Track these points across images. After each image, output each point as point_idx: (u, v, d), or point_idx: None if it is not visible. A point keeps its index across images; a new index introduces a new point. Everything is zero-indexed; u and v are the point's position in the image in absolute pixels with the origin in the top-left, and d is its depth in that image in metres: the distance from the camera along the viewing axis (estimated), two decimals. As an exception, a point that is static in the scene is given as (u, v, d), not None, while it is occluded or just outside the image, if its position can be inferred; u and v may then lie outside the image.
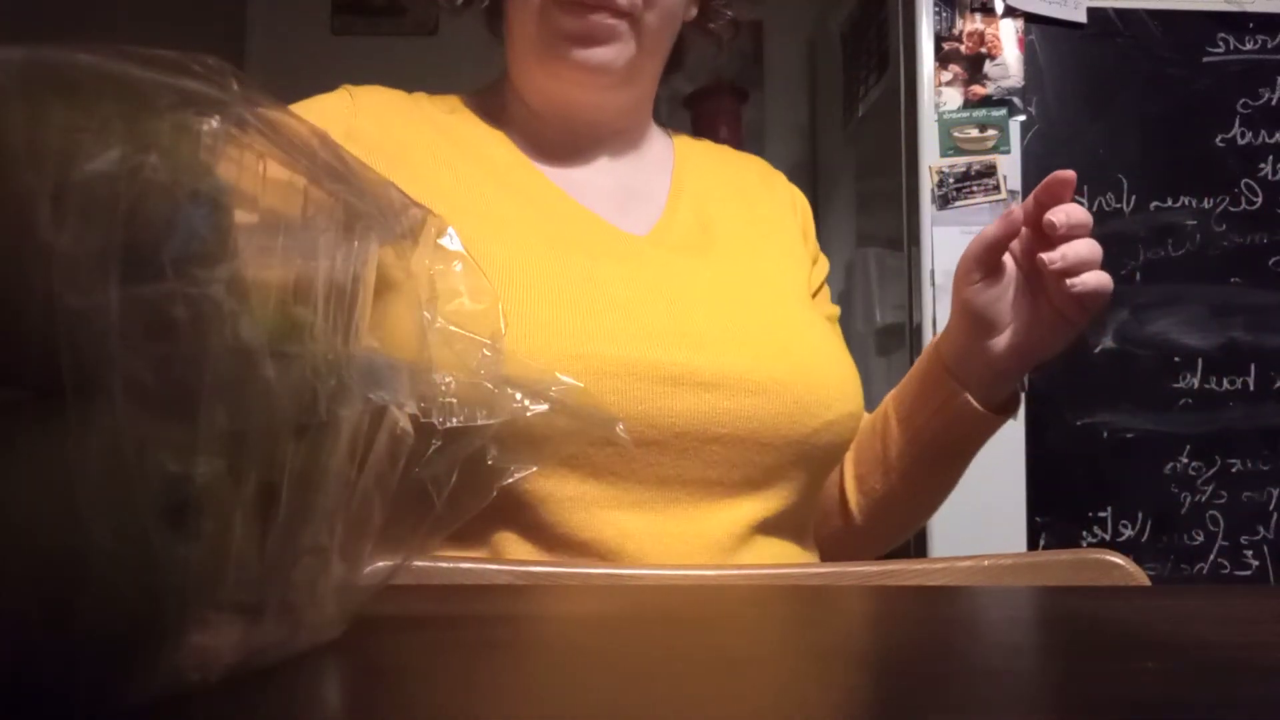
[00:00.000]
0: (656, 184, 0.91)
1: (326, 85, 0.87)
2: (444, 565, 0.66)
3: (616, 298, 0.75)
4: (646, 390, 0.71)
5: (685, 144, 0.98)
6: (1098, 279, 0.74)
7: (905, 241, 1.91)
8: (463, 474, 0.38)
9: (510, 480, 0.39)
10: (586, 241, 0.81)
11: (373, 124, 0.84)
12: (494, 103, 0.92)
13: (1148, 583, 0.70)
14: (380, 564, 0.38)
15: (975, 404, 0.80)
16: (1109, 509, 1.85)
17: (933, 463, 0.85)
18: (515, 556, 0.70)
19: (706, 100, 2.66)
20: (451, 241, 0.40)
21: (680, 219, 0.87)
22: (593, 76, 0.84)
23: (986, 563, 0.73)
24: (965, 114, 1.85)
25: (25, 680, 0.25)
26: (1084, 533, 1.84)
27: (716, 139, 1.06)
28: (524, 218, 0.81)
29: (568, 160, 0.89)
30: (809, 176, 2.80)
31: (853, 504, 0.89)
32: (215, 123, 0.27)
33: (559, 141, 0.89)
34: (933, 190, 1.83)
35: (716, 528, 0.74)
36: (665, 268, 0.81)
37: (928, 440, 0.84)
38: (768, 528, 0.77)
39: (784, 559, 0.78)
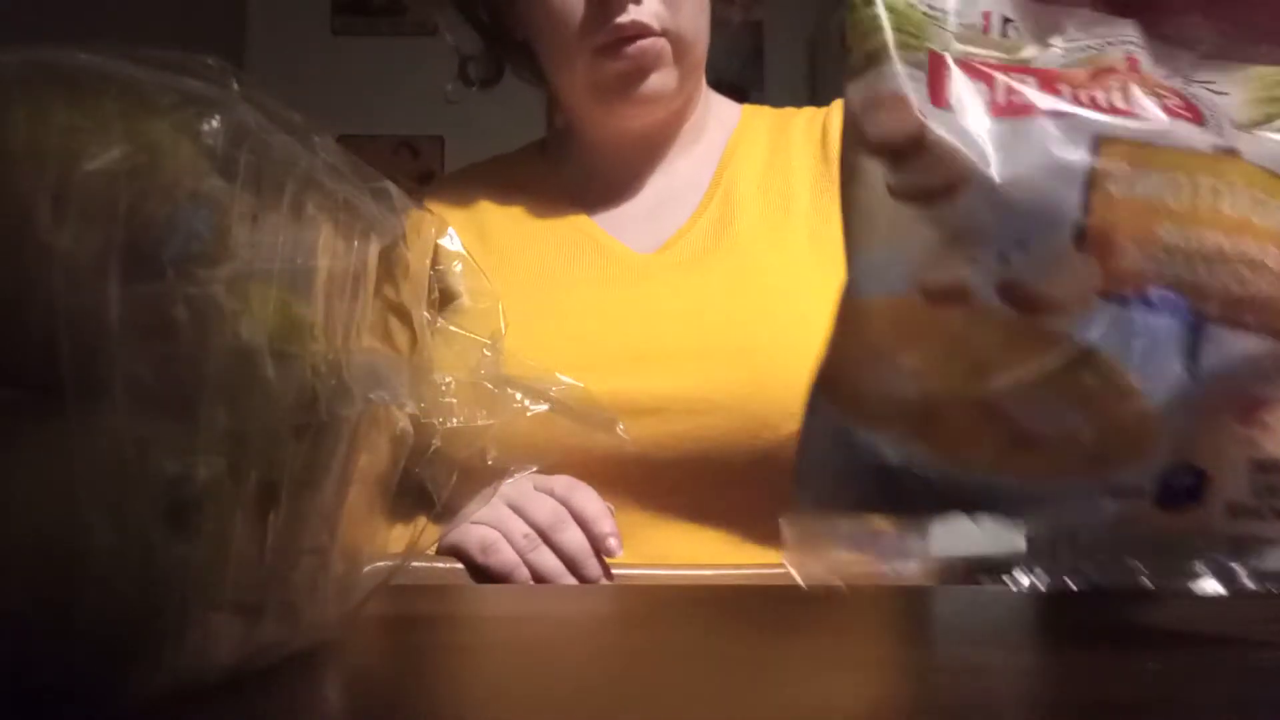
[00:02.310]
0: (698, 180, 0.91)
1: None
2: (443, 565, 0.66)
3: (583, 329, 0.78)
4: None
5: (750, 118, 0.96)
6: None
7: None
8: (462, 474, 0.38)
9: (510, 480, 0.39)
10: (592, 272, 0.84)
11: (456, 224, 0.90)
12: (555, 143, 0.97)
13: (1148, 583, 0.70)
14: (380, 564, 0.38)
15: None
16: (1109, 509, 1.84)
17: None
18: None
19: (706, 100, 2.66)
20: (452, 241, 0.40)
21: (702, 224, 0.87)
22: (651, 108, 0.86)
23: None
24: (965, 114, 1.84)
25: (25, 680, 0.25)
26: (1084, 533, 1.84)
27: None
28: (539, 258, 0.86)
29: (612, 184, 0.91)
30: (809, 176, 2.79)
31: None
32: (215, 123, 0.27)
33: (608, 169, 0.91)
34: (933, 190, 1.82)
35: (687, 553, 0.74)
36: (659, 287, 0.82)
37: None
38: (748, 550, 0.76)
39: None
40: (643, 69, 0.83)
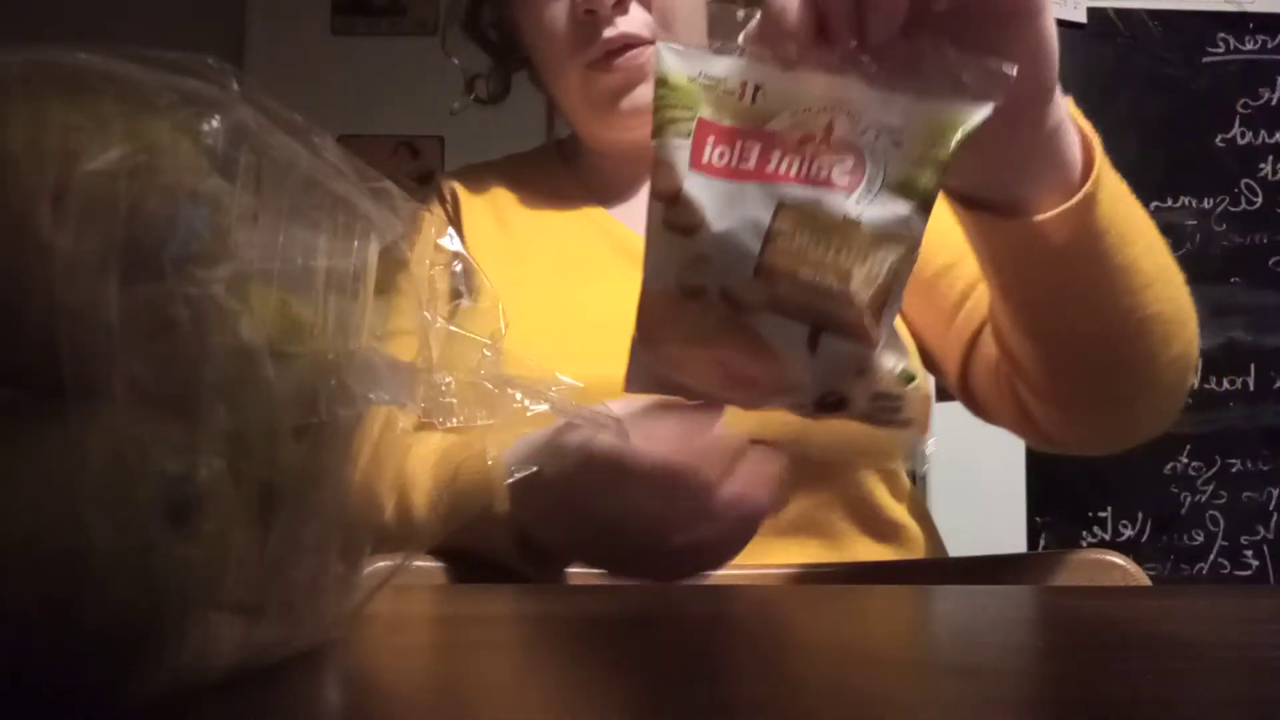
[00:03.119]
0: None
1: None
2: (444, 565, 0.66)
3: (595, 318, 0.78)
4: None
5: None
6: None
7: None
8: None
9: (511, 480, 0.39)
10: (605, 262, 0.86)
11: (476, 205, 0.93)
12: (567, 145, 0.99)
13: (1148, 583, 0.70)
14: (380, 564, 0.38)
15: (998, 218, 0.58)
16: (1109, 509, 1.85)
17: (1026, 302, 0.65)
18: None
19: (706, 100, 2.66)
20: (451, 241, 0.40)
21: None
22: (646, 118, 0.85)
23: (986, 563, 0.73)
24: (965, 114, 1.84)
25: (25, 680, 0.25)
26: (1084, 533, 1.84)
27: None
28: (556, 247, 0.88)
29: (621, 185, 0.92)
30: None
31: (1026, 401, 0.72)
32: (215, 123, 0.27)
33: (616, 173, 0.92)
34: (933, 190, 1.82)
35: None
36: None
37: (1012, 286, 0.64)
38: (778, 529, 0.76)
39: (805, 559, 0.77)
40: (633, 80, 0.84)
